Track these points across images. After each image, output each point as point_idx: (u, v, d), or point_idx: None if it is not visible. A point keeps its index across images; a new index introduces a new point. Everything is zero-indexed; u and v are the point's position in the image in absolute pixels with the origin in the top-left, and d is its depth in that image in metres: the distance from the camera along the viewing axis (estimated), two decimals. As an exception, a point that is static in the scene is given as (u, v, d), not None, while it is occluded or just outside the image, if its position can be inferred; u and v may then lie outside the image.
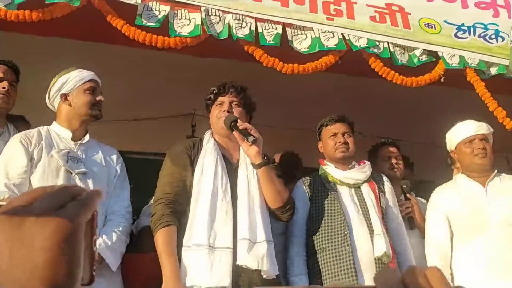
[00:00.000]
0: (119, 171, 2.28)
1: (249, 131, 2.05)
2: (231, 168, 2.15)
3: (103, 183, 2.16)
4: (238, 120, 2.09)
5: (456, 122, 2.67)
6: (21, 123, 2.68)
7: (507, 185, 2.51)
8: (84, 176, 2.09)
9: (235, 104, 2.23)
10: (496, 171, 2.58)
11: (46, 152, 2.06)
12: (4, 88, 2.27)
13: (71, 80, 2.20)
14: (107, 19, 2.45)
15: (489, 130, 2.59)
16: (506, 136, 2.96)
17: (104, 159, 2.25)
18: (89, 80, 2.24)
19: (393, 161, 2.89)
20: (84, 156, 2.17)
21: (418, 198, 2.96)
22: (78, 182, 2.06)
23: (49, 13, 2.32)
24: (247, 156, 2.14)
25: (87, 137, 2.24)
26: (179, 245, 1.98)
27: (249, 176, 2.12)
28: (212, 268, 1.89)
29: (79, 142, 2.19)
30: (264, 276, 1.96)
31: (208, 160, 2.12)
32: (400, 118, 4.14)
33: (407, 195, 2.77)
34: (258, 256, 1.94)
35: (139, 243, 2.83)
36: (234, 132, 2.08)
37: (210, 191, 2.03)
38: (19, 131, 2.35)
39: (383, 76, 2.83)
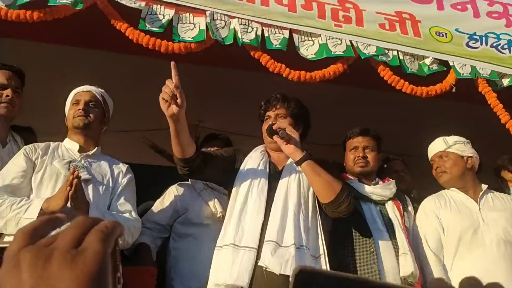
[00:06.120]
0: (125, 182, 2.22)
1: (284, 129, 2.02)
2: (275, 173, 2.11)
3: (106, 191, 2.11)
4: (275, 125, 2.07)
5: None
6: (28, 134, 2.62)
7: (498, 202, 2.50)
8: (85, 183, 2.02)
9: (280, 117, 2.18)
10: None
11: (49, 162, 2.06)
12: (7, 96, 2.21)
13: (68, 99, 2.27)
14: (111, 22, 2.39)
15: None
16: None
17: (110, 169, 2.21)
18: (76, 94, 2.25)
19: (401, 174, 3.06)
20: (89, 166, 2.13)
21: None
22: None
23: (51, 13, 2.27)
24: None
25: (95, 150, 2.21)
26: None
27: (290, 180, 2.07)
28: (233, 266, 1.86)
29: (85, 154, 2.17)
30: None
31: (250, 162, 2.12)
32: (408, 132, 4.04)
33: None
34: (282, 260, 1.85)
35: (135, 259, 2.73)
36: (274, 137, 2.04)
37: (245, 191, 2.02)
38: (26, 142, 2.30)
39: (392, 85, 2.74)
